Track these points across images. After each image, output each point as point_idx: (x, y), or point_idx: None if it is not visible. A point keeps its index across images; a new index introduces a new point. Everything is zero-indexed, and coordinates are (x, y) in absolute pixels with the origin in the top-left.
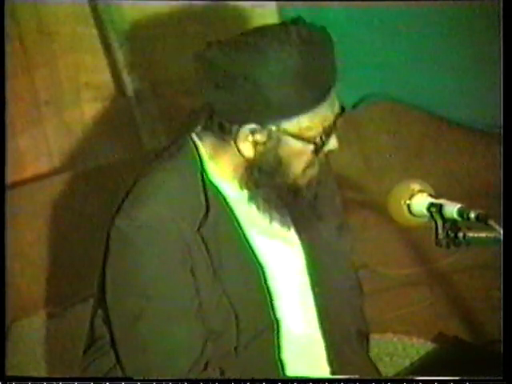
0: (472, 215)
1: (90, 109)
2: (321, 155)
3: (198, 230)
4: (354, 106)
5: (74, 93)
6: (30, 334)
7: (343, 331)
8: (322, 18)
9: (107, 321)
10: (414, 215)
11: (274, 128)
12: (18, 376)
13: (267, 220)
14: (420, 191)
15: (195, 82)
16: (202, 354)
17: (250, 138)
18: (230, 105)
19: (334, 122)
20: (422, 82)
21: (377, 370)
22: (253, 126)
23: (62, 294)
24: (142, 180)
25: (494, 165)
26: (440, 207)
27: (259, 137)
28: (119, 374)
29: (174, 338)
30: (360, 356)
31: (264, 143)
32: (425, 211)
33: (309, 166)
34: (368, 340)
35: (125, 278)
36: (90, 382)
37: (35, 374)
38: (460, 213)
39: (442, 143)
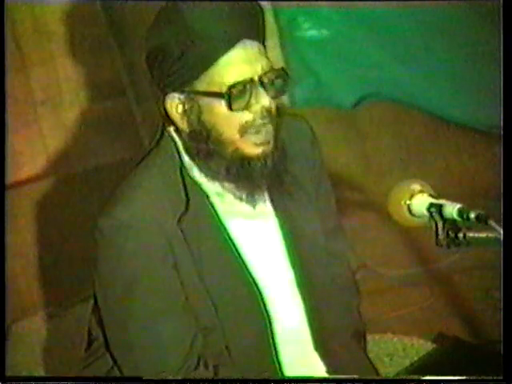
0: (472, 215)
1: (89, 109)
2: (268, 126)
3: (179, 222)
4: (354, 106)
5: (72, 93)
6: (30, 334)
7: (332, 329)
8: (319, 17)
9: (100, 322)
10: (414, 215)
11: (187, 89)
12: (18, 376)
13: (238, 201)
14: (420, 191)
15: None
16: (191, 349)
17: (179, 109)
18: (157, 80)
19: (261, 78)
20: (422, 82)
21: (375, 370)
22: (173, 94)
23: (61, 294)
24: (126, 179)
25: (493, 165)
26: (440, 207)
27: (182, 106)
28: (117, 375)
29: (161, 334)
30: (357, 356)
31: (190, 111)
32: (425, 211)
33: (245, 130)
34: (365, 339)
35: (109, 278)
36: (90, 381)
37: (35, 374)
38: (460, 213)
39: (441, 143)
